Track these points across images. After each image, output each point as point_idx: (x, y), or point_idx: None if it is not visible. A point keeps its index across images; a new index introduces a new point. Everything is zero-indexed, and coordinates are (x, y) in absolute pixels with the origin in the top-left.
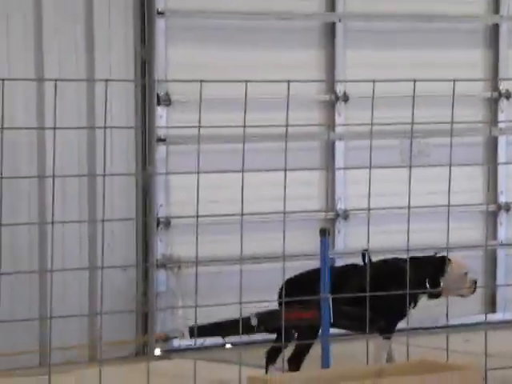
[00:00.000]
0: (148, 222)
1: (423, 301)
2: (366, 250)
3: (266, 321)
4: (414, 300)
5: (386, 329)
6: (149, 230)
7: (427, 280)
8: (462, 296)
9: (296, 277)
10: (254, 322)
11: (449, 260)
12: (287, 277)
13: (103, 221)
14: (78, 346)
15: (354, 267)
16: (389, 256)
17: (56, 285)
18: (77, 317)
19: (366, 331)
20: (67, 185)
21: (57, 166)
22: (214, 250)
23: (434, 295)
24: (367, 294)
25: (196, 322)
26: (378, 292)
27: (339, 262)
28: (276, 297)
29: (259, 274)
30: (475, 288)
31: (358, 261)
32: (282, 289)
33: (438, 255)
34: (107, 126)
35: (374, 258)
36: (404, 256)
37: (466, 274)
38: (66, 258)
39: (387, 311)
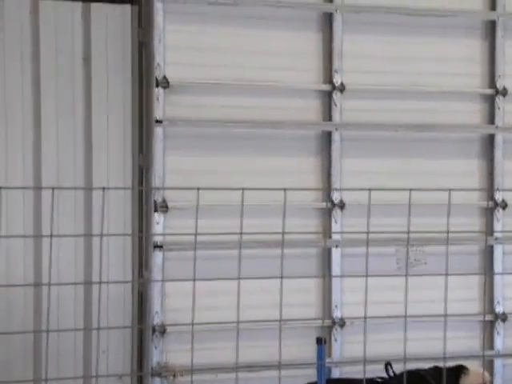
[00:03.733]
0: (143, 329)
1: None
2: (389, 362)
3: None
4: None
5: None
6: (144, 338)
7: None
8: None
9: None
10: None
11: (466, 369)
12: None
13: (98, 329)
14: None
15: (377, 382)
16: (411, 367)
17: None
18: None
19: None
20: (63, 291)
21: (53, 272)
22: (210, 358)
23: None
24: None
25: None
26: None
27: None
28: None
29: (255, 382)
30: None
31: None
32: None
33: (455, 364)
34: (104, 233)
35: (396, 369)
36: (424, 366)
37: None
38: (61, 367)
39: None
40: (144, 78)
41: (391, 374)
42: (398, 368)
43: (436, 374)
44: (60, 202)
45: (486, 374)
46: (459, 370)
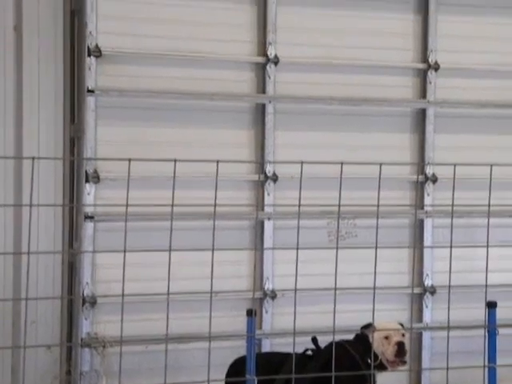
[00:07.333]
0: (73, 299)
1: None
2: (315, 337)
3: None
4: (373, 379)
5: None
6: (74, 309)
7: (366, 355)
8: (392, 365)
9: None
10: None
11: (371, 325)
12: (236, 357)
13: (27, 299)
14: None
15: (305, 356)
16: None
17: None
18: None
19: None
20: None
21: None
22: (141, 329)
23: (379, 367)
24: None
25: None
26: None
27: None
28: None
29: (185, 354)
30: (400, 351)
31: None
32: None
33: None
34: (34, 203)
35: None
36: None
37: (386, 337)
38: None
39: None
40: (76, 47)
41: (317, 346)
42: (326, 340)
43: (356, 343)
44: None
45: (398, 325)
46: (367, 327)
